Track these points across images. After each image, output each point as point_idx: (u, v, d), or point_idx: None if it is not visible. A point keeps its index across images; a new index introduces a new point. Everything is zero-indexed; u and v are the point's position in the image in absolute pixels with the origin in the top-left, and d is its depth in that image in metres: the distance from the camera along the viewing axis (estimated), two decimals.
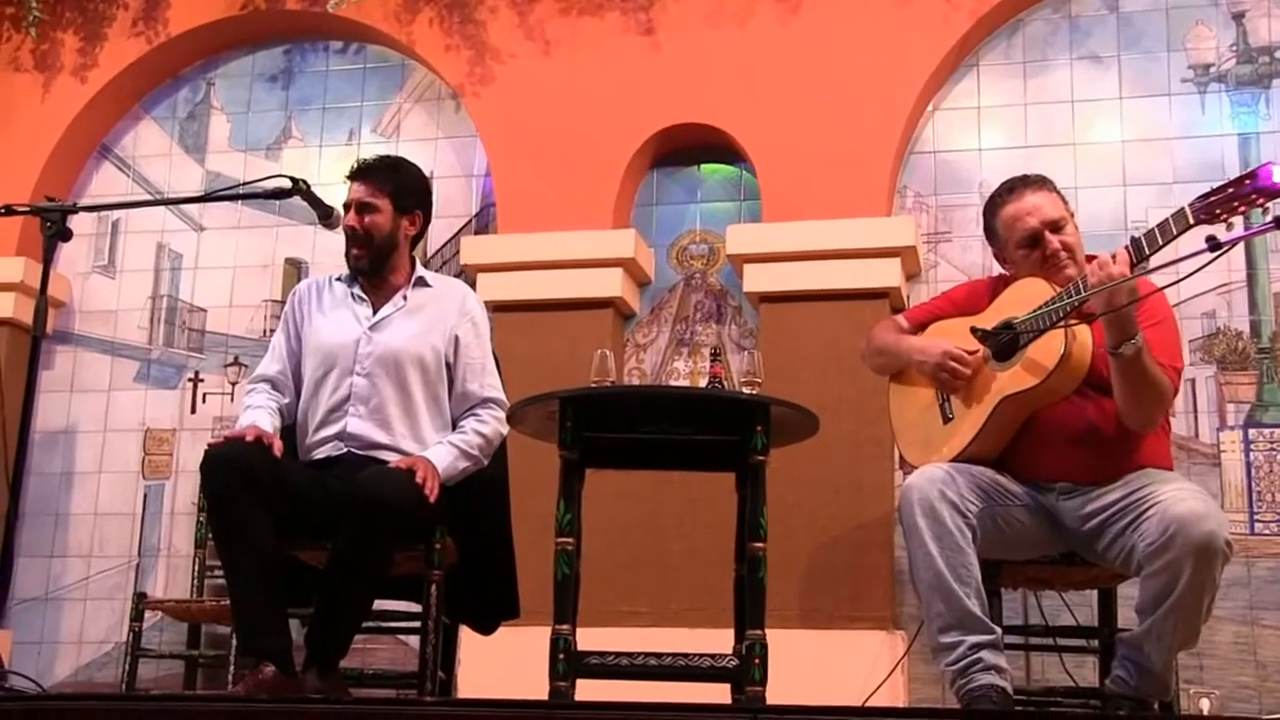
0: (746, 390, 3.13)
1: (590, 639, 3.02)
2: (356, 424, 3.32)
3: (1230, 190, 2.78)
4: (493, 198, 5.18)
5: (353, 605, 3.07)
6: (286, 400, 3.42)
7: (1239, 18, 4.72)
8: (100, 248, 5.58)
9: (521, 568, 3.48)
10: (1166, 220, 2.84)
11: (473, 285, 4.78)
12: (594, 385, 3.13)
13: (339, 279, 3.50)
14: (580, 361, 3.40)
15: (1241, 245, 4.40)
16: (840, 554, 4.48)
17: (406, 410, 3.34)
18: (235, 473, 3.01)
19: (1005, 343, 3.08)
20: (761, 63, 4.91)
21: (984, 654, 2.85)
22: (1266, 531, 4.34)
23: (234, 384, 5.30)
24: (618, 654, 3.00)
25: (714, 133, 4.96)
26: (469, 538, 3.37)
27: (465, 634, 3.61)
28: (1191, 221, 2.81)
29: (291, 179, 3.31)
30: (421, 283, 3.48)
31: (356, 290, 3.46)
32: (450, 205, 5.26)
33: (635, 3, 5.09)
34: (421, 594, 3.24)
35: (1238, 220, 2.84)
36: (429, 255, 5.19)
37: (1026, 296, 3.08)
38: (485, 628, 3.51)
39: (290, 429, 3.46)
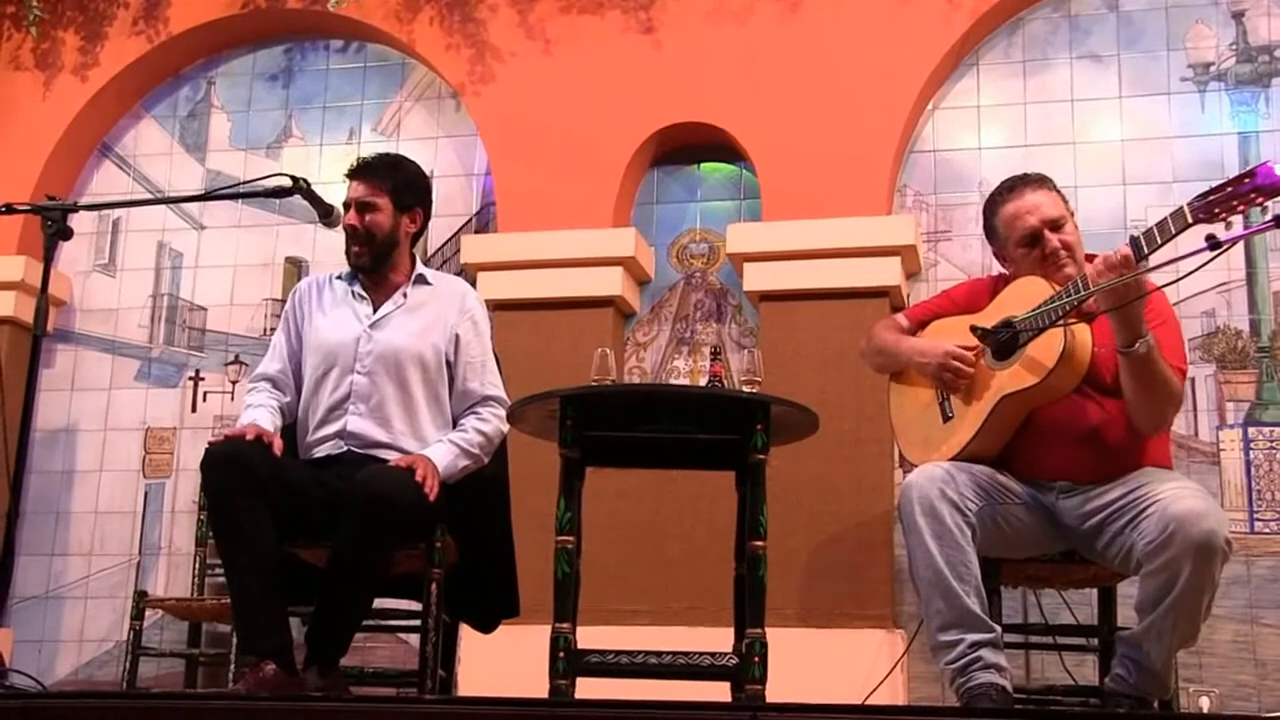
0: (746, 389, 3.14)
1: (590, 637, 3.02)
2: (357, 422, 3.32)
3: (1229, 189, 2.78)
4: (493, 196, 5.19)
5: (353, 603, 3.08)
6: (287, 399, 3.43)
7: (1239, 16, 4.72)
8: (101, 246, 5.58)
9: (522, 566, 3.49)
10: (1165, 219, 2.84)
11: (473, 284, 4.78)
12: (594, 384, 3.13)
13: (339, 277, 3.50)
14: (580, 360, 3.41)
15: (1241, 244, 4.41)
16: (840, 552, 4.49)
17: (407, 408, 3.34)
18: (236, 471, 3.01)
19: (1005, 341, 3.08)
20: (762, 62, 4.91)
21: (984, 652, 2.86)
22: (1266, 530, 4.34)
23: (234, 383, 5.31)
24: (618, 652, 3.00)
25: (714, 131, 4.96)
26: (469, 536, 3.37)
27: (465, 632, 3.62)
28: (1190, 220, 2.81)
29: (292, 178, 3.31)
30: (422, 280, 3.48)
31: (357, 288, 3.46)
32: (450, 204, 5.26)
33: (635, 1, 5.09)
34: (422, 592, 3.24)
35: (1237, 219, 2.84)
36: (429, 254, 5.19)
37: (1026, 295, 3.08)
38: (485, 626, 3.52)
39: (291, 427, 3.47)
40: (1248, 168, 2.87)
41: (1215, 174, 4.45)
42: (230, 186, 4.97)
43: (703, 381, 4.18)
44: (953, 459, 3.06)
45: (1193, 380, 4.39)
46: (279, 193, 3.34)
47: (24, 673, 3.12)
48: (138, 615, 4.42)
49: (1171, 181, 4.62)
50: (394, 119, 5.44)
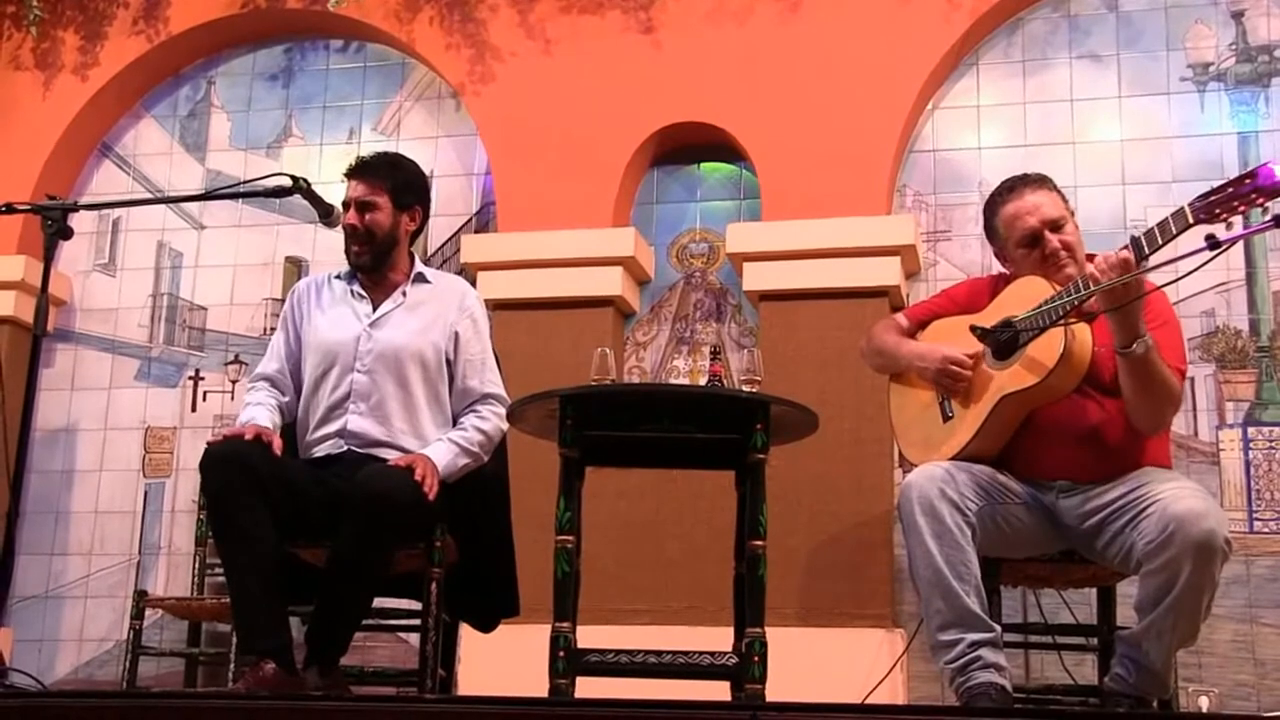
0: (746, 388, 3.14)
1: (590, 637, 3.03)
2: (357, 421, 3.32)
3: (1230, 190, 2.78)
4: (493, 196, 5.19)
5: (353, 603, 3.08)
6: (286, 398, 3.43)
7: (1238, 16, 4.72)
8: (101, 246, 5.58)
9: (521, 566, 3.49)
10: (1166, 220, 2.84)
11: (473, 283, 4.78)
12: (594, 383, 3.13)
13: (338, 276, 3.51)
14: (580, 360, 3.41)
15: (1241, 243, 4.41)
16: (840, 552, 4.49)
17: (407, 407, 3.34)
18: (235, 471, 3.01)
19: (1005, 341, 3.08)
20: (761, 61, 4.91)
21: (983, 652, 2.86)
22: (1265, 530, 4.35)
23: (234, 382, 5.31)
24: (617, 652, 3.00)
25: (714, 131, 4.96)
26: (469, 535, 3.37)
27: (465, 632, 3.62)
28: (1191, 221, 2.81)
29: (292, 177, 3.31)
30: (421, 279, 3.48)
31: (356, 287, 3.46)
32: (450, 204, 5.27)
33: (635, 1, 5.09)
34: (421, 592, 3.24)
35: (1236, 219, 2.84)
36: (429, 253, 5.19)
37: (1026, 295, 3.08)
38: (485, 625, 3.52)
39: (290, 427, 3.47)
40: (1248, 168, 2.87)
41: (1215, 174, 4.45)
42: (230, 186, 4.97)
43: (702, 381, 4.18)
44: (952, 459, 3.06)
45: (1192, 380, 4.39)
46: (279, 192, 3.34)
47: (24, 672, 3.12)
48: (137, 615, 4.42)
49: (1171, 181, 4.62)
50: (394, 119, 5.44)
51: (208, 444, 3.17)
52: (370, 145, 5.11)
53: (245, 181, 4.97)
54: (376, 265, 3.43)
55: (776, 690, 2.97)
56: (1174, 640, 2.84)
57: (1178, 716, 3.40)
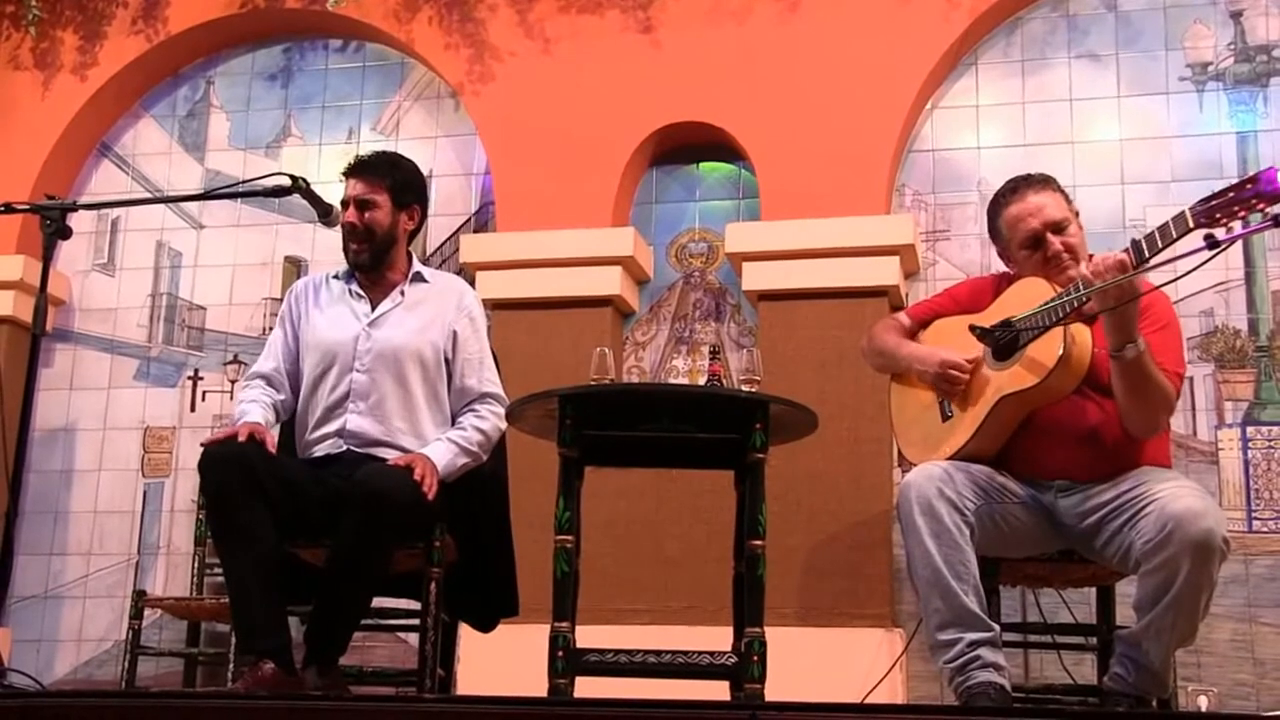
0: (745, 388, 3.14)
1: (589, 636, 3.03)
2: (356, 420, 3.32)
3: (1231, 194, 2.78)
4: (492, 196, 5.19)
5: (352, 602, 3.08)
6: (281, 397, 3.42)
7: (1237, 16, 4.72)
8: (100, 246, 5.58)
9: (521, 565, 3.49)
10: (1167, 223, 2.84)
11: (472, 283, 4.78)
12: (593, 383, 3.13)
13: (336, 276, 3.51)
14: (579, 359, 3.41)
15: (1240, 243, 4.41)
16: (839, 551, 4.49)
17: (406, 406, 3.34)
18: (234, 470, 3.01)
19: (1005, 341, 3.08)
20: (760, 61, 4.91)
21: (982, 651, 2.86)
22: (1264, 529, 4.35)
23: (233, 382, 5.31)
24: (617, 651, 3.00)
25: (713, 131, 4.96)
26: (468, 535, 3.37)
27: (464, 631, 3.62)
28: (1192, 225, 2.80)
29: (291, 177, 3.30)
30: (419, 278, 3.48)
31: (354, 287, 3.46)
32: (449, 203, 5.27)
33: (634, 1, 5.09)
34: (421, 591, 3.24)
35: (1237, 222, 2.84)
36: (428, 253, 5.19)
37: (1027, 296, 3.08)
38: (485, 625, 3.52)
39: (287, 425, 3.47)
40: (1247, 168, 2.88)
41: (1213, 174, 4.46)
42: (229, 186, 4.97)
43: (702, 381, 4.18)
44: (951, 458, 3.06)
45: (1191, 379, 4.39)
46: (278, 192, 3.33)
47: (23, 672, 3.12)
48: (136, 615, 4.41)
49: (1170, 181, 4.62)
50: (393, 118, 5.44)
51: (202, 445, 3.15)
52: (369, 145, 5.11)
53: (244, 181, 4.96)
54: (375, 264, 3.43)
55: (776, 690, 2.97)
56: (1173, 639, 2.84)
57: (1177, 716, 3.40)
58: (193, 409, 5.34)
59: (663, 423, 3.10)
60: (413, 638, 3.71)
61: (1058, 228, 3.15)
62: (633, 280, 4.98)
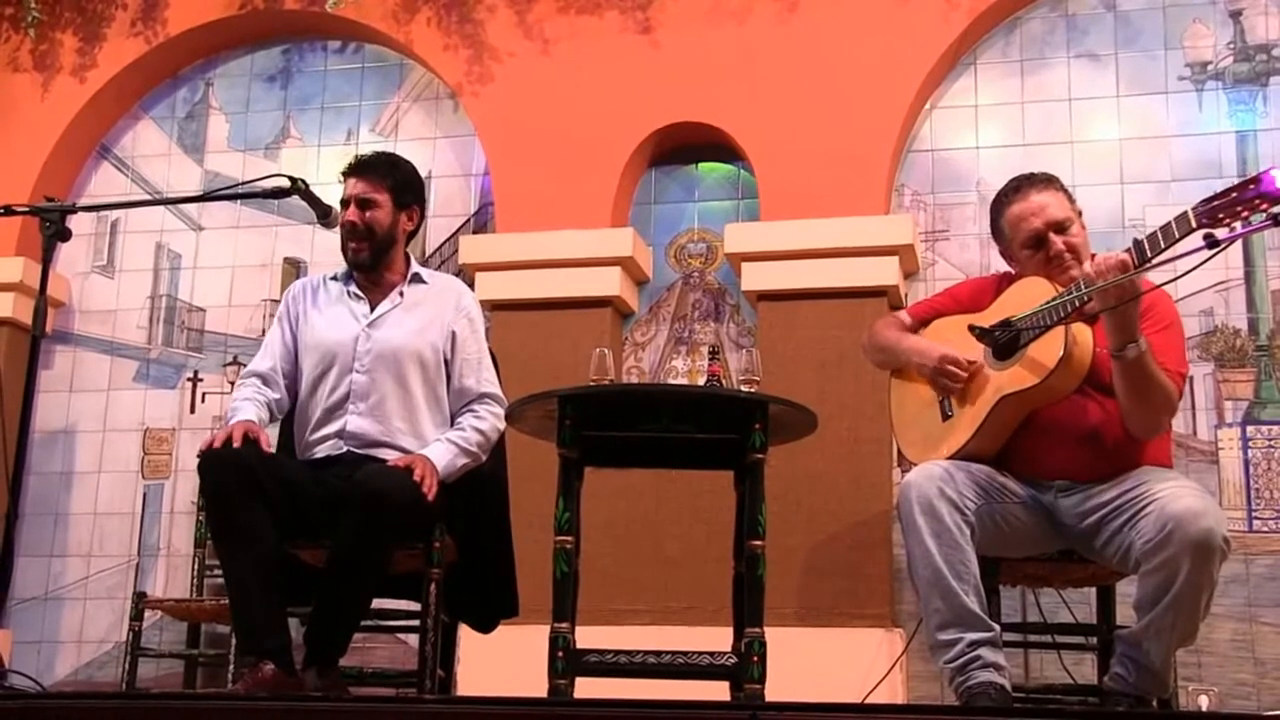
0: (745, 388, 3.14)
1: (589, 637, 3.02)
2: (356, 421, 3.32)
3: (1234, 195, 2.77)
4: (491, 197, 5.19)
5: (352, 603, 3.08)
6: (276, 396, 3.41)
7: (1236, 15, 4.72)
8: (99, 248, 5.58)
9: (521, 566, 3.49)
10: (1169, 224, 2.83)
11: (471, 284, 4.79)
12: (593, 384, 3.13)
13: (334, 277, 3.51)
14: (579, 360, 3.41)
15: (1239, 243, 4.40)
16: (839, 551, 4.49)
17: (406, 407, 3.34)
18: (233, 471, 3.01)
19: (1006, 341, 3.08)
20: (759, 61, 4.91)
21: (982, 651, 2.86)
22: (1265, 529, 4.35)
23: (233, 383, 5.30)
24: (617, 652, 3.00)
25: (712, 131, 4.96)
26: (468, 536, 3.37)
27: (464, 632, 3.62)
28: (1194, 225, 2.80)
29: (290, 178, 3.31)
30: (417, 279, 3.48)
31: (352, 288, 3.46)
32: (449, 204, 5.27)
33: (633, 1, 5.09)
34: (421, 592, 3.24)
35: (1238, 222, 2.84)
36: (428, 254, 5.19)
37: (1028, 296, 3.08)
38: (484, 626, 3.52)
39: (286, 427, 3.47)
40: (1248, 170, 2.88)
41: (1213, 173, 4.46)
42: (228, 187, 4.95)
43: (701, 381, 4.17)
44: (951, 458, 3.06)
45: (1191, 379, 4.39)
46: (277, 193, 3.34)
47: (23, 674, 3.12)
48: (137, 616, 4.41)
49: (1169, 181, 4.62)
50: (392, 119, 5.44)
51: (199, 452, 3.13)
52: (368, 146, 5.10)
53: (243, 183, 4.95)
54: (375, 263, 3.43)
55: (776, 690, 2.97)
56: (1173, 639, 2.84)
57: (1178, 715, 3.40)
58: (192, 410, 5.34)
59: (662, 423, 3.10)
60: (412, 639, 3.71)
61: (1060, 227, 3.15)
62: (632, 281, 4.98)
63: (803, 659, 3.86)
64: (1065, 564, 3.21)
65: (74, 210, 3.37)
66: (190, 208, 5.51)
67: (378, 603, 3.26)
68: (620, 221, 5.00)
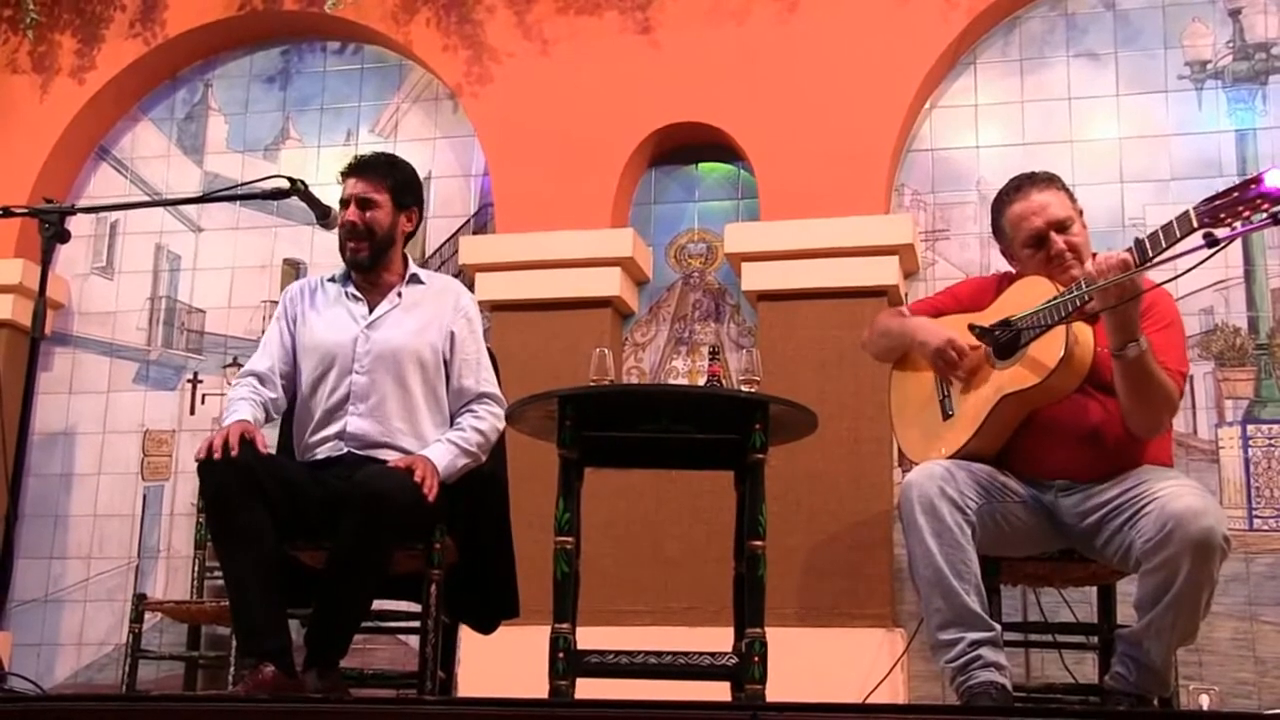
0: (745, 388, 3.14)
1: (590, 638, 3.02)
2: (357, 423, 3.32)
3: (1235, 194, 2.77)
4: (491, 197, 5.18)
5: (352, 604, 3.07)
6: (273, 395, 3.40)
7: (1235, 14, 4.72)
8: (98, 249, 5.58)
9: (521, 567, 3.49)
10: (1171, 222, 2.83)
11: (471, 285, 4.79)
12: (593, 384, 3.13)
13: (331, 279, 3.50)
14: (579, 360, 3.41)
15: (1239, 241, 4.39)
16: (839, 551, 4.49)
17: (406, 407, 3.34)
18: (233, 472, 3.01)
19: (1007, 341, 3.08)
20: (759, 61, 4.91)
21: (983, 651, 2.85)
22: (1265, 527, 4.34)
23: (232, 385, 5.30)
24: (617, 653, 3.00)
25: (712, 131, 4.96)
26: (468, 537, 3.37)
27: (465, 633, 3.62)
28: (1195, 225, 2.79)
29: (289, 179, 3.30)
30: (415, 280, 3.48)
31: (350, 289, 3.46)
32: (448, 205, 5.27)
33: (633, 2, 5.09)
34: (421, 593, 3.24)
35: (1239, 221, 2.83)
36: (427, 255, 5.19)
37: (1029, 295, 3.08)
38: (485, 627, 3.51)
39: (286, 428, 3.47)
40: (1248, 169, 2.88)
41: (1213, 172, 4.46)
42: (228, 188, 4.96)
43: (701, 381, 4.17)
44: (952, 457, 3.06)
45: (1191, 378, 4.38)
46: (277, 195, 3.33)
47: (23, 676, 3.11)
48: (137, 618, 4.41)
49: (1169, 179, 4.62)
50: (391, 120, 5.44)
51: (196, 457, 3.12)
52: (368, 147, 5.06)
53: (243, 184, 4.96)
54: (373, 263, 3.42)
55: (777, 690, 2.97)
56: (1174, 638, 2.84)
57: (1178, 715, 3.39)
58: (192, 412, 5.34)
59: (662, 423, 3.10)
60: (413, 640, 3.71)
61: (1061, 226, 3.14)
62: (632, 281, 4.97)
63: (804, 659, 3.85)
64: (1066, 563, 3.21)
65: (73, 212, 3.37)
66: (189, 209, 5.51)
67: (378, 604, 3.26)
68: (620, 222, 5.00)
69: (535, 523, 3.69)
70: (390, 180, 3.43)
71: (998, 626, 2.92)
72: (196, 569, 4.72)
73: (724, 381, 3.51)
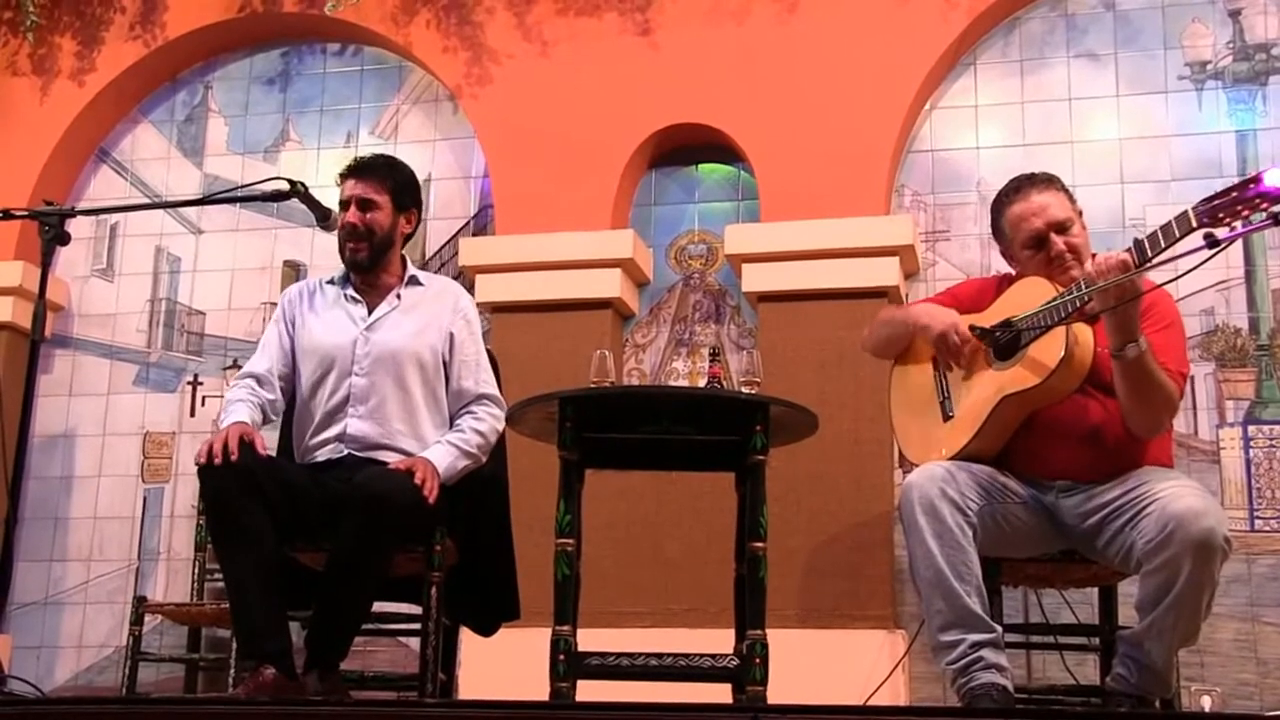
0: (745, 390, 3.14)
1: (591, 640, 3.02)
2: (357, 425, 3.31)
3: (1234, 194, 2.77)
4: (491, 199, 5.18)
5: (353, 606, 3.07)
6: (271, 397, 3.39)
7: (1235, 15, 4.72)
8: (99, 251, 5.57)
9: (522, 569, 3.48)
10: (1170, 223, 2.83)
11: (471, 287, 4.79)
12: (593, 386, 3.13)
13: (330, 281, 3.50)
14: (579, 362, 3.40)
15: (1240, 242, 4.39)
16: (840, 553, 4.48)
17: (405, 409, 3.34)
18: (233, 474, 3.00)
19: (1007, 341, 3.07)
20: (759, 62, 4.91)
21: (985, 652, 2.85)
22: (1266, 528, 4.34)
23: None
24: (618, 655, 3.00)
25: (712, 132, 4.96)
26: (469, 539, 3.37)
27: (466, 635, 3.61)
28: (1195, 225, 2.79)
29: (289, 181, 3.30)
30: (414, 281, 3.48)
31: (349, 291, 3.45)
32: (448, 207, 5.26)
33: (633, 3, 5.09)
34: (422, 595, 3.23)
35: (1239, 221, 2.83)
36: (427, 257, 5.19)
37: (1029, 296, 3.08)
38: (485, 629, 3.51)
39: (286, 430, 3.46)
40: (1248, 169, 2.88)
41: (1213, 172, 4.46)
42: (228, 190, 4.96)
43: (702, 383, 4.17)
44: (953, 458, 3.06)
45: (1192, 379, 4.38)
46: (277, 196, 3.33)
47: (23, 679, 3.11)
48: (137, 620, 4.41)
49: (1169, 180, 4.62)
50: (391, 122, 5.43)
51: (196, 460, 3.12)
52: (368, 148, 5.07)
53: (243, 186, 4.96)
54: (373, 265, 3.42)
55: (778, 692, 2.97)
56: (1175, 639, 2.84)
57: (1180, 716, 3.39)
58: (192, 414, 5.33)
59: (663, 425, 3.10)
60: (414, 642, 3.71)
61: (1061, 227, 3.14)
62: (632, 282, 4.97)
63: (805, 661, 3.85)
64: (1067, 564, 3.21)
65: (73, 214, 3.36)
66: (189, 211, 5.50)
67: (378, 606, 3.26)
68: (620, 223, 4.99)
69: (536, 524, 3.68)
70: (390, 182, 3.43)
71: (999, 628, 2.92)
72: (197, 571, 4.72)
73: (724, 383, 3.51)
